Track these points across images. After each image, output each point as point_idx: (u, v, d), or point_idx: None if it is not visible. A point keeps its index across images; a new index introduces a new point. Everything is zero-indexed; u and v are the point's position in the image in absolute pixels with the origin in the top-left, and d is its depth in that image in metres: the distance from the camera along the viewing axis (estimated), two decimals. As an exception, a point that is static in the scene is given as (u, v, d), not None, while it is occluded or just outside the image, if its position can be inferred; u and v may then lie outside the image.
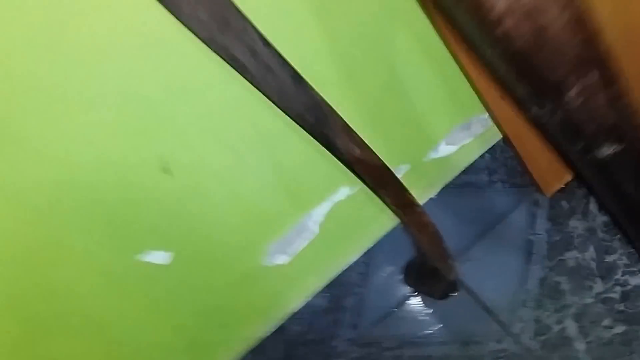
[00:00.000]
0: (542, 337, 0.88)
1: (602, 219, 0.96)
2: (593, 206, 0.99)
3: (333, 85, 0.82)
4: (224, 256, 0.89)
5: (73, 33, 0.64)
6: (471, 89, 0.93)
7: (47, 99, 0.66)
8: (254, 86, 0.70)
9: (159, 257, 0.83)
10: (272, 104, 0.73)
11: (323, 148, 0.80)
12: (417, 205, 0.86)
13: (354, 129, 0.77)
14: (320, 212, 0.92)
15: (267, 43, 0.70)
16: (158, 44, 0.69)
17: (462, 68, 0.87)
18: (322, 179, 0.90)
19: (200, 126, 0.77)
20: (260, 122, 0.81)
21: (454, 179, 1.00)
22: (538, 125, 0.90)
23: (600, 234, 0.95)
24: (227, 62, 0.69)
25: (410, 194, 0.84)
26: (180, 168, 0.78)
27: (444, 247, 0.92)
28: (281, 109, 0.73)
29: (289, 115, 0.73)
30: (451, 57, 0.89)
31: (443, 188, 1.00)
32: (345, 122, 0.76)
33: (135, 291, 0.85)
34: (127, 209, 0.79)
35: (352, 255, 0.99)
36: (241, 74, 0.70)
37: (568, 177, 1.05)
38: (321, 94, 0.74)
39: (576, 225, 0.99)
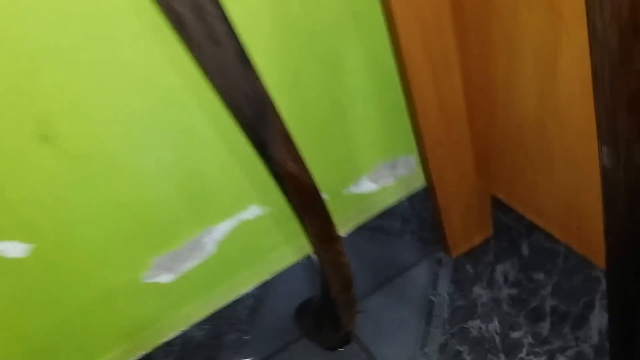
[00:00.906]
0: (439, 409, 0.82)
1: (507, 291, 0.94)
2: (499, 276, 0.96)
3: (274, 88, 0.72)
4: (97, 261, 0.73)
5: None
6: (408, 127, 0.88)
7: None
8: (190, 50, 0.59)
9: (14, 248, 0.66)
10: (204, 91, 0.62)
11: (242, 158, 0.70)
12: (339, 241, 0.77)
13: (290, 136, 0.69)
14: (221, 229, 0.80)
15: (217, 3, 0.59)
16: None
17: (409, 98, 0.82)
18: (233, 193, 0.78)
19: (101, 99, 0.63)
20: (181, 112, 0.68)
21: (366, 221, 0.93)
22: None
23: (506, 307, 0.92)
24: (165, 16, 0.57)
25: (334, 227, 0.76)
26: (62, 138, 0.63)
27: (352, 294, 0.83)
28: (217, 92, 0.61)
29: (224, 100, 0.62)
30: (400, 88, 0.84)
31: (356, 229, 0.92)
32: (285, 128, 0.67)
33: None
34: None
35: (245, 285, 0.87)
36: (178, 32, 0.58)
37: (476, 240, 1.03)
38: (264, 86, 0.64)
39: (480, 293, 0.95)
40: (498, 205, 1.05)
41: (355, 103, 0.81)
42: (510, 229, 1.04)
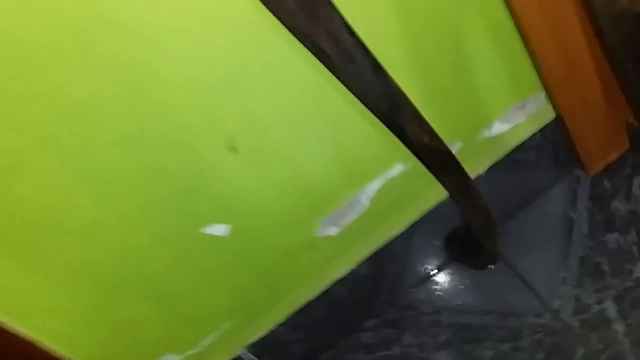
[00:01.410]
0: (582, 316, 0.94)
1: (645, 202, 1.01)
2: (636, 189, 1.03)
3: (402, 66, 0.84)
4: (279, 229, 0.93)
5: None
6: (531, 68, 0.95)
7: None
8: (333, 74, 0.72)
9: (219, 229, 0.88)
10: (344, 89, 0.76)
11: (381, 126, 0.83)
12: (475, 188, 0.90)
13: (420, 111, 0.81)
14: (373, 187, 0.95)
15: (352, 32, 0.70)
16: (242, 27, 0.71)
17: (527, 44, 0.88)
18: (378, 156, 0.92)
19: (268, 106, 0.80)
20: (326, 102, 0.83)
21: (502, 157, 1.03)
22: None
23: (644, 219, 1.00)
24: (309, 50, 0.70)
25: (469, 179, 0.88)
26: (245, 146, 0.81)
27: (493, 226, 0.97)
28: (357, 97, 0.74)
29: (363, 103, 0.75)
30: (516, 34, 0.90)
31: (491, 166, 1.03)
32: (417, 110, 0.78)
33: (197, 259, 0.89)
34: (193, 184, 0.82)
35: (398, 227, 1.03)
36: (322, 62, 0.71)
37: (613, 156, 1.09)
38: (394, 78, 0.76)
39: (618, 206, 1.03)
40: (631, 123, 1.09)
41: (477, 56, 0.89)
42: (645, 143, 1.08)
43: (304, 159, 0.87)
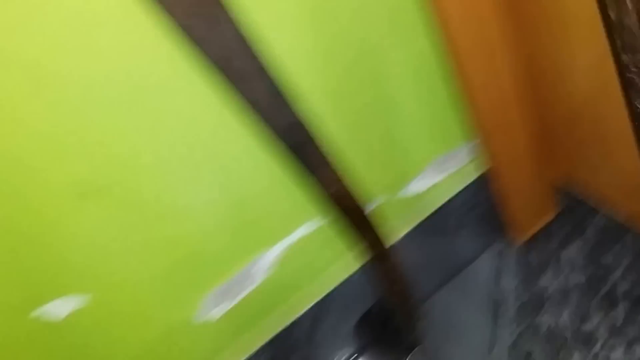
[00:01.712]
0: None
1: (576, 278, 0.90)
2: (566, 263, 0.92)
3: (317, 101, 0.67)
4: (149, 303, 0.71)
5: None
6: (460, 117, 0.83)
7: None
8: (234, 89, 0.55)
9: (68, 303, 0.64)
10: (244, 124, 0.58)
11: (287, 181, 0.66)
12: (392, 255, 0.74)
13: (334, 155, 0.65)
14: (272, 254, 0.77)
15: (250, 45, 0.54)
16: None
17: (461, 91, 0.76)
18: (282, 216, 0.74)
19: (144, 145, 0.60)
20: (221, 145, 0.65)
21: (423, 219, 0.89)
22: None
23: (575, 297, 0.88)
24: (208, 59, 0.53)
25: (385, 244, 0.72)
26: (107, 194, 0.60)
27: (412, 305, 0.81)
28: (264, 122, 0.57)
29: (270, 131, 0.58)
30: (444, 80, 0.78)
31: (410, 230, 0.88)
32: (328, 149, 0.63)
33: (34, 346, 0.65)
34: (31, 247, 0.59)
35: (300, 308, 0.84)
36: (223, 75, 0.54)
37: (540, 224, 0.98)
38: (305, 111, 0.60)
39: (547, 284, 0.91)
40: (559, 187, 1.00)
41: (401, 104, 0.76)
42: (573, 211, 0.99)
43: (187, 213, 0.67)
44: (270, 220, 0.74)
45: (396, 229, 0.87)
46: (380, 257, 0.72)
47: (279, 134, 0.59)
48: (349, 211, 0.69)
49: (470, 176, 0.90)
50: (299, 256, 0.79)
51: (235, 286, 0.76)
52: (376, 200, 0.82)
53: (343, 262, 0.83)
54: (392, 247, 0.87)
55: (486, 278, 0.95)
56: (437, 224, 0.90)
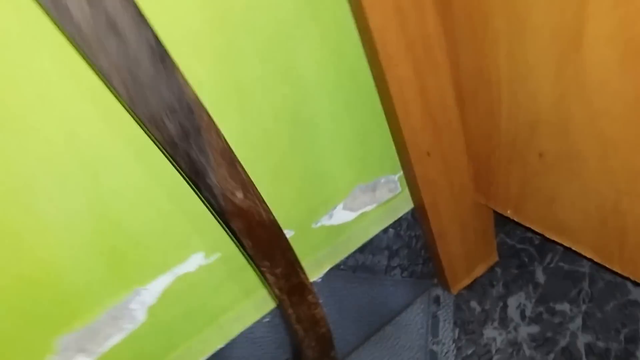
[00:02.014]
0: None
1: (527, 329, 0.77)
2: (513, 311, 0.79)
3: (218, 108, 0.54)
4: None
5: None
6: (388, 141, 0.71)
7: None
8: (83, 51, 0.41)
9: None
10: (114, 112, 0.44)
11: (176, 195, 0.52)
12: (311, 292, 0.59)
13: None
14: (154, 289, 0.60)
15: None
16: None
17: (389, 107, 0.64)
18: (168, 241, 0.59)
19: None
20: (89, 152, 0.50)
21: (345, 258, 0.75)
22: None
23: (529, 351, 0.75)
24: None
25: (304, 275, 0.57)
26: None
27: (332, 356, 0.65)
28: (127, 104, 0.43)
29: (139, 118, 0.44)
30: (373, 101, 0.67)
31: (331, 269, 0.74)
32: (226, 144, 0.48)
33: None
34: None
35: (192, 359, 0.67)
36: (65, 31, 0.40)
37: (480, 270, 0.86)
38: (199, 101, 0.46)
39: (493, 335, 0.78)
40: (500, 225, 0.89)
41: (320, 118, 0.64)
42: (519, 252, 0.87)
43: (44, 238, 0.51)
44: (152, 246, 0.58)
45: (314, 266, 0.72)
46: (296, 295, 0.57)
47: (155, 122, 0.45)
48: (257, 233, 0.54)
49: (403, 208, 0.77)
50: (190, 293, 0.63)
51: (103, 329, 0.59)
52: (290, 230, 0.68)
53: (250, 302, 0.67)
54: (311, 286, 0.72)
55: (420, 328, 0.81)
56: (363, 262, 0.76)
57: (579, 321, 0.76)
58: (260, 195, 0.51)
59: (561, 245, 0.71)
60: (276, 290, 0.55)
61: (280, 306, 0.59)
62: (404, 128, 0.65)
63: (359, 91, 0.66)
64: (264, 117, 0.59)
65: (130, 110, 0.43)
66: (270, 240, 0.52)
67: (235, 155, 0.49)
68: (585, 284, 0.79)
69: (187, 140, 0.46)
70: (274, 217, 0.52)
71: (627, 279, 0.64)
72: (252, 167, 0.57)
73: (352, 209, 0.72)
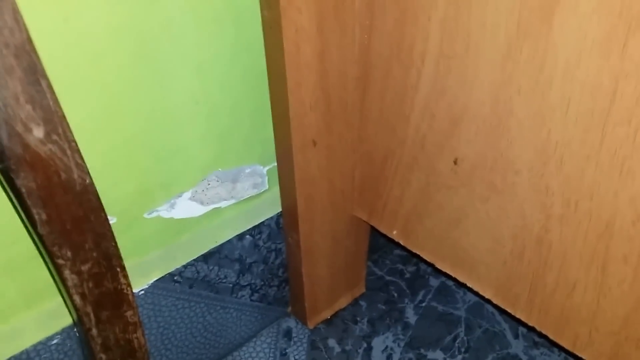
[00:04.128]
0: None
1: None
2: (378, 354, 0.67)
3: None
4: None
5: None
6: (263, 120, 0.56)
7: None
8: None
9: None
10: None
11: None
12: (131, 304, 0.41)
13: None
14: None
15: None
16: None
17: (276, 79, 0.49)
18: None
19: None
20: None
21: (179, 266, 0.57)
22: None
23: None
24: None
25: (125, 277, 0.39)
26: None
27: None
28: None
29: None
30: (254, 64, 0.51)
31: (160, 278, 0.56)
32: (30, 41, 0.30)
33: None
34: None
35: None
36: None
37: (343, 302, 0.73)
38: None
39: (354, 382, 0.64)
40: (369, 252, 0.76)
41: (181, 69, 0.47)
42: (387, 285, 0.75)
43: None
44: None
45: (137, 272, 0.54)
46: (109, 308, 0.38)
47: None
48: (57, 211, 0.35)
49: (266, 212, 0.62)
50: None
51: None
52: (110, 217, 0.49)
53: (31, 314, 0.47)
54: (132, 298, 0.53)
55: (268, 366, 0.65)
56: (206, 275, 0.59)
57: (453, 371, 0.65)
58: (76, 142, 0.33)
59: (444, 279, 0.59)
60: (76, 298, 0.36)
61: (79, 324, 0.40)
62: (290, 102, 0.50)
63: (236, 42, 0.50)
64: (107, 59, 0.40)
65: None
66: (80, 217, 0.34)
67: (44, 70, 0.30)
68: (462, 330, 0.69)
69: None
70: (91, 180, 0.34)
71: (532, 328, 0.54)
72: (72, 108, 0.38)
73: (202, 202, 0.55)
